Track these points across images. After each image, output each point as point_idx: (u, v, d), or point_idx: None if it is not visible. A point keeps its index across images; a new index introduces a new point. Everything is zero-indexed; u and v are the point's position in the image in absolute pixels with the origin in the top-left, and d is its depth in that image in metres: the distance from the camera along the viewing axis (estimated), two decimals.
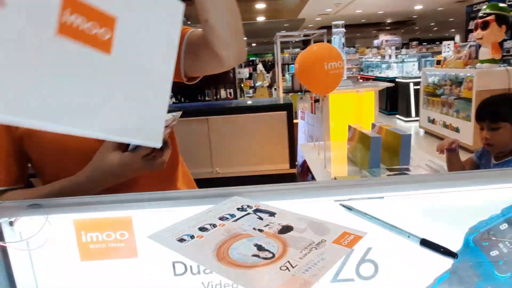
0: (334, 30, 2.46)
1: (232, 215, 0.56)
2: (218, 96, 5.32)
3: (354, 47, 19.73)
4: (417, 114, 6.78)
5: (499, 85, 4.70)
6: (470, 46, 5.31)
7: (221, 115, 2.76)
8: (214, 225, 0.53)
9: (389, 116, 8.28)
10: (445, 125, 5.50)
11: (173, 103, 5.17)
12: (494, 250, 0.67)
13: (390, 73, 8.79)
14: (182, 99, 5.11)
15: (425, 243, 0.52)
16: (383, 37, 17.97)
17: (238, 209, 0.58)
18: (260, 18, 10.32)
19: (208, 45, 0.78)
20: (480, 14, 4.84)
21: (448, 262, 0.64)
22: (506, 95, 1.59)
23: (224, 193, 0.64)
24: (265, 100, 3.44)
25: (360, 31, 18.53)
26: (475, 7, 8.48)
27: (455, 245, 0.66)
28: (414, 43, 10.95)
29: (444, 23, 17.34)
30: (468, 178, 0.65)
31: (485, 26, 4.67)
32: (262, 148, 2.81)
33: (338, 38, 2.48)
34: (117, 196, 0.63)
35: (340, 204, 0.59)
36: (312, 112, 2.94)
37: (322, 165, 1.96)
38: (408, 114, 7.45)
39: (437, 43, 13.84)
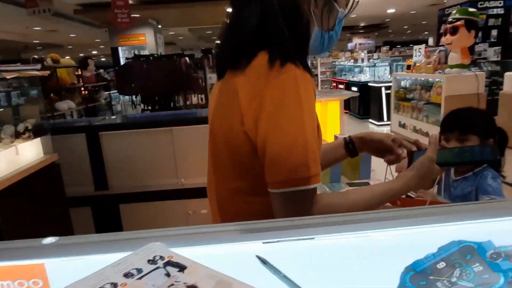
0: None
1: (140, 270, 0.50)
2: (189, 103, 5.24)
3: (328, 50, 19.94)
4: (389, 118, 6.87)
5: (468, 90, 4.80)
6: (440, 51, 5.41)
7: (186, 126, 2.67)
8: (115, 285, 0.47)
9: (361, 120, 8.38)
10: (415, 130, 5.59)
11: (144, 110, 5.05)
12: None
13: (363, 77, 8.90)
14: (150, 107, 4.99)
15: None
16: (356, 40, 18.25)
17: (149, 261, 0.52)
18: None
19: None
20: (450, 19, 4.91)
21: None
22: (474, 109, 1.54)
23: (146, 237, 0.57)
24: None
25: None
26: (447, 11, 8.69)
27: (391, 286, 0.62)
28: (385, 47, 11.11)
29: (417, 26, 17.76)
30: (403, 217, 0.61)
31: (454, 31, 4.75)
32: (204, 162, 2.73)
33: None
34: (27, 242, 0.57)
35: (256, 256, 0.54)
36: None
37: None
38: (380, 118, 7.55)
39: (410, 45, 14.14)
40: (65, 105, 4.61)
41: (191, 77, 5.11)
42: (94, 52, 21.20)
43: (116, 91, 6.02)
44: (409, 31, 21.23)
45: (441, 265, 0.64)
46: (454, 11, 4.94)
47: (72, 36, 12.42)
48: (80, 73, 5.52)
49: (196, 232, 0.56)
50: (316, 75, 13.13)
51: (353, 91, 8.95)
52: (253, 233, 0.57)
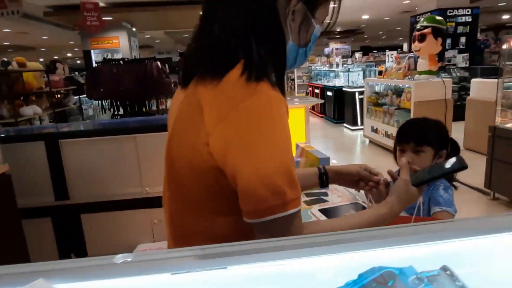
0: None
1: None
2: (162, 107, 5.15)
3: None
4: (362, 123, 6.96)
5: (436, 96, 4.92)
6: (409, 57, 5.52)
7: (150, 133, 2.61)
8: None
9: (336, 125, 8.47)
10: (387, 135, 5.68)
11: (114, 115, 4.92)
12: None
13: (337, 82, 9.00)
14: (119, 112, 4.88)
15: None
16: (333, 45, 18.52)
17: None
18: None
19: None
20: (418, 26, 5.03)
21: None
22: (429, 120, 1.52)
23: (30, 271, 0.52)
24: None
25: None
26: (418, 18, 8.94)
27: None
28: (358, 53, 11.30)
29: (392, 32, 18.15)
30: (322, 244, 0.58)
31: (422, 38, 4.87)
32: None
33: None
34: None
35: None
36: None
37: None
38: (354, 123, 7.65)
39: (386, 50, 14.43)
40: (31, 110, 4.44)
41: (163, 81, 5.02)
42: (69, 54, 20.70)
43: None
44: (384, 37, 21.68)
45: None
46: (422, 19, 5.06)
47: (44, 38, 12.07)
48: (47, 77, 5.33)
49: (88, 265, 0.51)
50: (293, 79, 13.23)
51: (328, 95, 9.05)
52: (159, 264, 0.53)
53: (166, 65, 5.24)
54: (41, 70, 5.20)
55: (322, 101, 3.21)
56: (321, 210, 1.41)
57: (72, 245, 2.75)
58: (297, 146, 1.99)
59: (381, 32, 19.02)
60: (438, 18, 4.99)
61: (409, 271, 0.63)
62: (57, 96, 6.09)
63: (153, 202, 2.73)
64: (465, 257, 0.60)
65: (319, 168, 1.07)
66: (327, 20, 0.80)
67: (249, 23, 0.69)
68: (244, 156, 0.64)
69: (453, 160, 0.92)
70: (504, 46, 3.53)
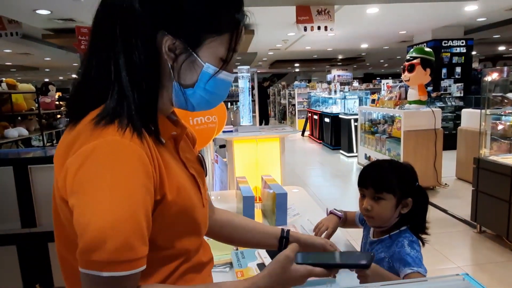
0: (239, 74, 2.40)
1: None
2: None
3: (310, 80, 20.44)
4: (357, 150, 6.91)
5: (426, 125, 4.88)
6: (400, 87, 5.53)
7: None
8: None
9: (333, 151, 8.41)
10: None
11: None
12: None
13: (335, 109, 9.02)
14: None
15: None
16: (335, 72, 18.71)
17: None
18: None
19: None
20: (407, 57, 5.06)
21: None
22: (393, 164, 1.35)
23: None
24: None
25: (315, 65, 19.21)
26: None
27: None
28: (356, 81, 11.40)
29: (392, 60, 18.34)
30: None
31: (411, 68, 4.88)
32: None
33: (244, 81, 2.41)
34: None
35: None
36: (224, 158, 2.83)
37: None
38: (350, 150, 7.59)
39: (378, 79, 14.56)
40: (16, 132, 4.42)
41: None
42: (74, 76, 21.08)
43: None
44: (386, 65, 21.92)
45: None
46: (412, 50, 5.08)
47: (47, 60, 12.30)
48: (35, 98, 5.36)
49: None
50: (294, 104, 13.30)
51: (325, 122, 9.05)
52: None
53: None
54: (31, 92, 5.23)
55: (298, 131, 3.11)
56: (269, 251, 1.33)
57: (37, 275, 2.65)
58: (262, 178, 1.93)
59: (382, 60, 19.23)
60: (427, 49, 5.01)
61: None
62: (46, 118, 6.09)
63: None
64: None
65: (282, 230, 1.02)
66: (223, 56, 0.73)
67: (117, 66, 0.65)
68: (74, 200, 0.59)
69: (362, 255, 0.86)
70: (487, 78, 3.50)
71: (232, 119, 2.71)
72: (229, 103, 4.74)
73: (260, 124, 11.01)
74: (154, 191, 0.64)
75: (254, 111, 4.63)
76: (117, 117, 0.63)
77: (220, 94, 0.76)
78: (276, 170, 2.52)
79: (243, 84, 2.44)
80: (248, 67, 2.52)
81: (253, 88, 4.38)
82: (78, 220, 0.58)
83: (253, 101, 4.44)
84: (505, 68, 4.08)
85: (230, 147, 2.39)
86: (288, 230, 1.02)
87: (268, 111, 13.76)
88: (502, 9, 7.05)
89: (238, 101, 2.82)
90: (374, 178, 1.29)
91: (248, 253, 1.33)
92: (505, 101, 4.48)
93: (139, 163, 0.61)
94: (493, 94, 4.82)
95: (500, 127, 3.82)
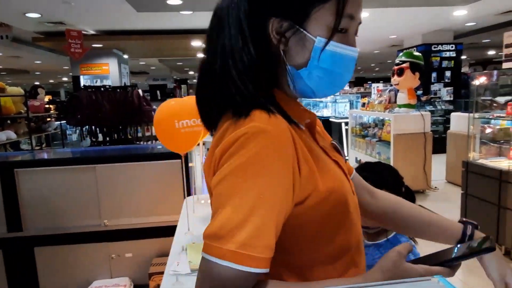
0: None
1: None
2: (141, 134, 5.10)
3: None
4: (348, 154, 6.93)
5: (415, 129, 4.92)
6: (390, 90, 5.57)
7: (110, 163, 2.55)
8: None
9: None
10: None
11: (92, 142, 4.87)
12: None
13: (326, 112, 9.07)
14: (98, 139, 4.82)
15: None
16: None
17: None
18: (201, 55, 10.37)
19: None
20: (397, 61, 5.10)
21: None
22: (383, 164, 1.46)
23: None
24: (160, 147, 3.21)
25: None
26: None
27: None
28: (347, 85, 11.45)
29: (383, 64, 18.50)
30: None
31: (400, 72, 4.92)
32: (154, 199, 2.62)
33: None
34: None
35: None
36: None
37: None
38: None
39: (381, 82, 14.67)
40: (4, 136, 4.37)
41: (143, 109, 5.01)
42: (65, 79, 20.88)
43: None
44: (377, 69, 22.09)
45: None
46: (401, 54, 5.13)
47: (38, 63, 12.19)
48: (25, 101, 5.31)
49: None
50: None
51: None
52: None
53: (144, 93, 5.24)
54: (19, 95, 5.18)
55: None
56: None
57: (24, 280, 2.61)
58: None
59: (373, 64, 19.38)
60: (416, 53, 5.06)
61: None
62: (35, 121, 6.03)
63: (112, 236, 2.63)
64: None
65: (465, 225, 0.85)
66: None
67: (234, 61, 0.64)
68: (216, 181, 0.59)
69: (480, 240, 0.75)
70: (475, 82, 3.55)
71: None
72: None
73: None
74: (298, 180, 0.60)
75: None
76: (253, 108, 0.60)
77: (339, 72, 0.66)
78: None
79: None
80: None
81: None
82: (216, 202, 0.57)
83: None
84: (494, 72, 4.13)
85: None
86: (472, 227, 0.84)
87: None
88: (491, 14, 7.16)
89: None
90: (373, 178, 1.29)
91: None
92: (494, 105, 4.53)
93: (283, 152, 0.58)
94: (482, 98, 4.87)
95: (488, 130, 3.86)
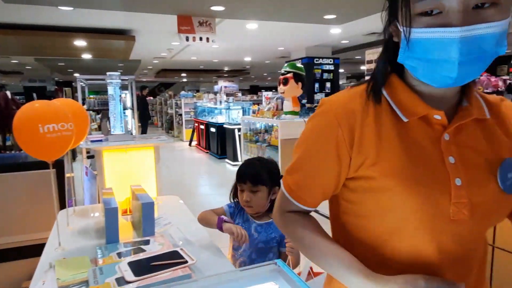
0: (108, 81, 2.28)
1: None
2: (11, 143, 4.48)
3: (198, 90, 20.52)
4: (242, 159, 7.16)
5: (299, 134, 5.32)
6: (277, 98, 5.95)
7: None
8: None
9: (219, 160, 8.57)
10: None
11: None
12: None
13: (220, 119, 9.23)
14: None
15: None
16: (222, 83, 19.19)
17: None
18: (87, 56, 9.61)
19: None
20: (282, 71, 5.48)
21: None
22: (263, 160, 1.67)
23: None
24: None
25: (203, 76, 19.40)
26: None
27: None
28: (240, 92, 11.92)
29: (274, 74, 19.67)
30: None
31: (285, 82, 5.29)
32: (22, 214, 2.33)
33: (113, 88, 2.30)
34: None
35: None
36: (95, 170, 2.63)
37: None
38: (235, 159, 7.83)
39: (273, 90, 15.52)
40: None
41: (12, 114, 4.40)
42: None
43: None
44: (269, 78, 23.37)
45: None
46: (285, 65, 5.53)
47: None
48: None
49: None
50: (181, 114, 13.14)
51: (212, 132, 9.18)
52: None
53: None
54: None
55: (163, 142, 2.96)
56: (130, 263, 1.28)
57: None
58: (130, 188, 1.86)
59: (265, 74, 20.45)
60: (299, 65, 5.52)
61: None
62: None
63: None
64: None
65: None
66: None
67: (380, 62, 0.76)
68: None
69: None
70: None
71: (102, 128, 2.53)
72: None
73: (143, 133, 10.59)
74: (347, 155, 0.70)
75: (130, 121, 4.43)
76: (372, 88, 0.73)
77: (430, 58, 0.61)
78: (151, 180, 2.45)
79: (113, 91, 2.32)
80: (119, 73, 2.41)
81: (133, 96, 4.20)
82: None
83: (132, 109, 4.25)
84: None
85: (99, 158, 2.24)
86: None
87: (147, 121, 13.30)
88: (359, 34, 8.22)
89: (107, 109, 2.67)
90: (250, 174, 1.58)
91: (107, 268, 1.26)
92: None
93: (323, 130, 0.74)
94: None
95: None
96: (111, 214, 1.48)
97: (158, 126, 18.05)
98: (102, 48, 8.28)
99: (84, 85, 4.62)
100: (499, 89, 8.90)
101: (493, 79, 9.25)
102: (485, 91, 8.96)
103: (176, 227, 1.70)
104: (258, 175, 1.58)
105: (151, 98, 18.72)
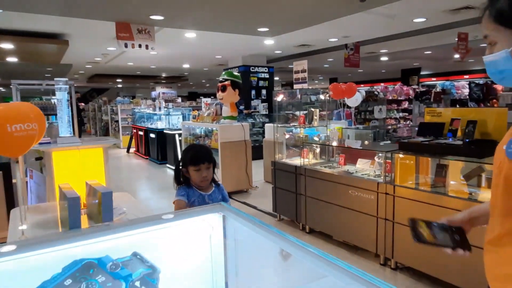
0: (56, 86, 2.42)
1: None
2: None
3: (134, 96, 20.05)
4: None
5: (238, 138, 5.70)
6: (216, 104, 6.27)
7: None
8: None
9: (160, 165, 8.63)
10: None
11: None
12: None
13: (160, 125, 9.28)
14: None
15: None
16: (160, 90, 19.01)
17: None
18: (13, 59, 9.10)
19: None
20: (220, 78, 5.82)
21: None
22: (200, 144, 2.10)
23: None
24: None
25: (139, 81, 19.03)
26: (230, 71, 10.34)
27: None
28: (179, 99, 12.05)
29: (212, 81, 19.92)
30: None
31: (224, 89, 5.64)
32: None
33: (62, 93, 2.44)
34: None
35: None
36: (40, 171, 2.73)
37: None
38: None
39: (211, 97, 15.74)
40: None
41: None
42: None
43: None
44: (208, 85, 23.56)
45: (68, 282, 0.79)
46: (224, 72, 5.89)
47: None
48: None
49: None
50: (117, 121, 12.85)
51: (151, 137, 9.20)
52: None
53: None
54: None
55: (114, 142, 3.10)
56: None
57: None
58: (86, 184, 2.04)
59: (204, 80, 20.62)
60: (235, 73, 5.91)
61: (106, 260, 0.84)
62: None
63: None
64: (151, 243, 0.85)
65: None
66: None
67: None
68: None
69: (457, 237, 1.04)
70: (276, 99, 4.48)
71: (47, 131, 2.60)
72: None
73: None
74: None
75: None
76: None
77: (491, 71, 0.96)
78: (101, 180, 2.64)
79: (61, 96, 2.46)
80: (66, 79, 2.55)
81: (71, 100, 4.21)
82: None
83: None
84: (288, 92, 5.27)
85: (49, 159, 2.38)
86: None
87: (80, 127, 12.84)
88: (291, 45, 8.87)
89: (55, 114, 2.76)
90: (205, 155, 2.01)
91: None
92: (295, 117, 5.70)
93: None
94: (286, 112, 6.03)
95: (287, 136, 4.89)
96: (74, 202, 1.69)
97: (92, 133, 17.34)
98: (30, 52, 7.94)
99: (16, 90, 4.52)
100: (410, 96, 10.04)
101: (405, 88, 10.41)
102: (399, 98, 10.01)
103: (132, 214, 1.94)
104: (210, 155, 2.02)
105: (83, 104, 17.94)
